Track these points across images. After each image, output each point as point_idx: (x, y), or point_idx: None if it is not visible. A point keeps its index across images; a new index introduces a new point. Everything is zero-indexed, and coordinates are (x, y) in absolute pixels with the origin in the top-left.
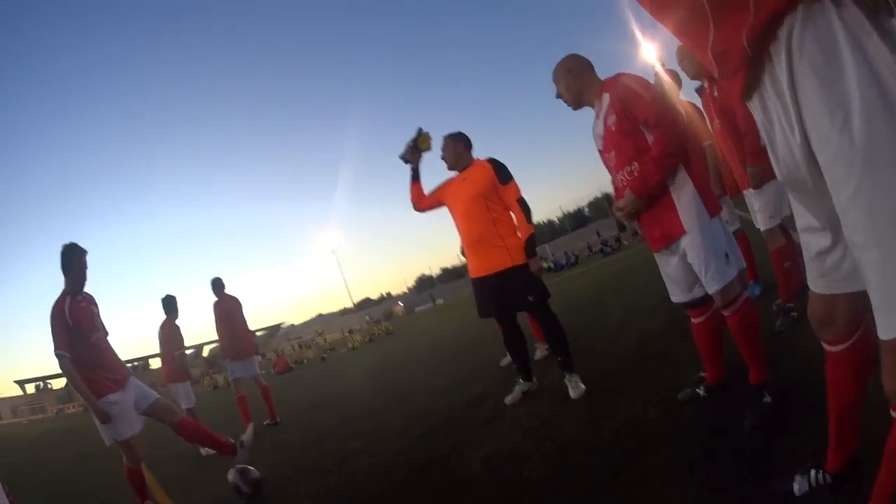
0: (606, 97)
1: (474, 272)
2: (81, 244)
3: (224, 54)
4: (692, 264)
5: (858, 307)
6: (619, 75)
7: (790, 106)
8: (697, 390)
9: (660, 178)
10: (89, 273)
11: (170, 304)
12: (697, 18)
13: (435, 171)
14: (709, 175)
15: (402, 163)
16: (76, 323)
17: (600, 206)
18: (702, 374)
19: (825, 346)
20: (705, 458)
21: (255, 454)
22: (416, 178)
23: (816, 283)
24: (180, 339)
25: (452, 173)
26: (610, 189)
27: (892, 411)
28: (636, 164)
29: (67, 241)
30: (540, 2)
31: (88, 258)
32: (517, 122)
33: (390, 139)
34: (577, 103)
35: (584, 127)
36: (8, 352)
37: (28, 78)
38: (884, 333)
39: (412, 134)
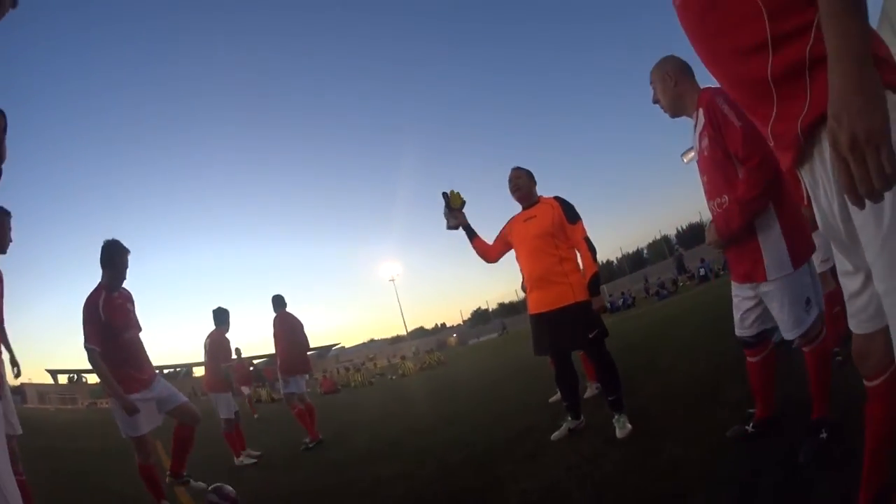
0: (701, 113)
1: (535, 308)
2: (142, 248)
3: (279, 85)
4: (771, 311)
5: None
6: (716, 92)
7: (832, 177)
8: (747, 427)
9: (742, 223)
10: (129, 272)
11: (222, 315)
12: (762, 96)
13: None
14: (801, 213)
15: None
16: (109, 319)
17: (659, 248)
18: (751, 411)
19: (865, 382)
20: (742, 501)
21: (291, 471)
22: (472, 235)
23: (852, 322)
24: (228, 350)
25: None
26: (668, 230)
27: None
28: (727, 197)
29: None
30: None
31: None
32: (577, 158)
33: (446, 165)
34: (673, 110)
35: (646, 167)
36: (41, 341)
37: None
38: None
39: (441, 202)
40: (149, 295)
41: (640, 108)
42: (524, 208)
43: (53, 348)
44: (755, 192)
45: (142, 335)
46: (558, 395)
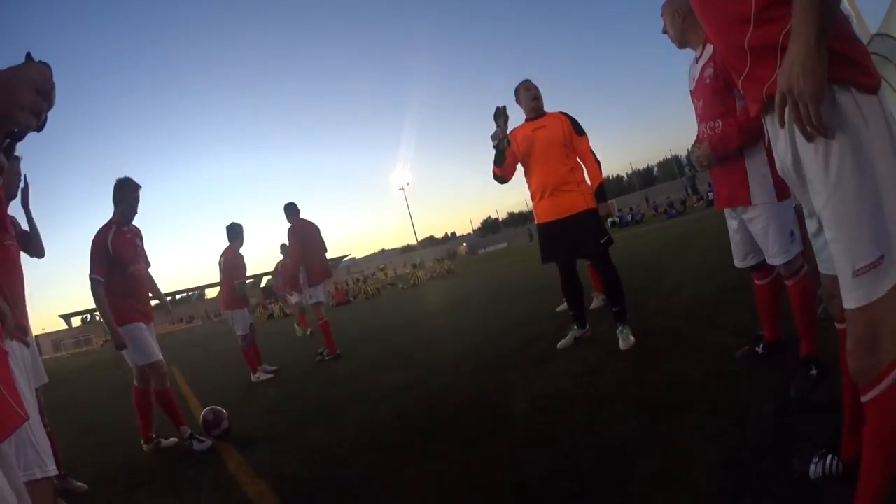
0: (710, 48)
1: (546, 216)
2: (150, 175)
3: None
4: (755, 236)
5: None
6: None
7: (787, 131)
8: (756, 348)
9: (738, 145)
10: (140, 206)
11: (235, 231)
12: (739, 55)
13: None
14: None
15: (492, 117)
16: (117, 252)
17: (669, 167)
18: (760, 333)
19: (837, 325)
20: (735, 426)
21: (305, 380)
22: (501, 159)
23: (818, 261)
24: (243, 267)
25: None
26: (679, 151)
27: (861, 397)
28: (720, 121)
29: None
30: None
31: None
32: (591, 74)
33: (460, 76)
34: (680, 42)
35: (661, 86)
36: (53, 287)
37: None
38: (847, 303)
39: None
40: (159, 220)
41: (659, 30)
42: (531, 119)
43: (66, 292)
44: (756, 122)
45: (152, 270)
46: (565, 305)
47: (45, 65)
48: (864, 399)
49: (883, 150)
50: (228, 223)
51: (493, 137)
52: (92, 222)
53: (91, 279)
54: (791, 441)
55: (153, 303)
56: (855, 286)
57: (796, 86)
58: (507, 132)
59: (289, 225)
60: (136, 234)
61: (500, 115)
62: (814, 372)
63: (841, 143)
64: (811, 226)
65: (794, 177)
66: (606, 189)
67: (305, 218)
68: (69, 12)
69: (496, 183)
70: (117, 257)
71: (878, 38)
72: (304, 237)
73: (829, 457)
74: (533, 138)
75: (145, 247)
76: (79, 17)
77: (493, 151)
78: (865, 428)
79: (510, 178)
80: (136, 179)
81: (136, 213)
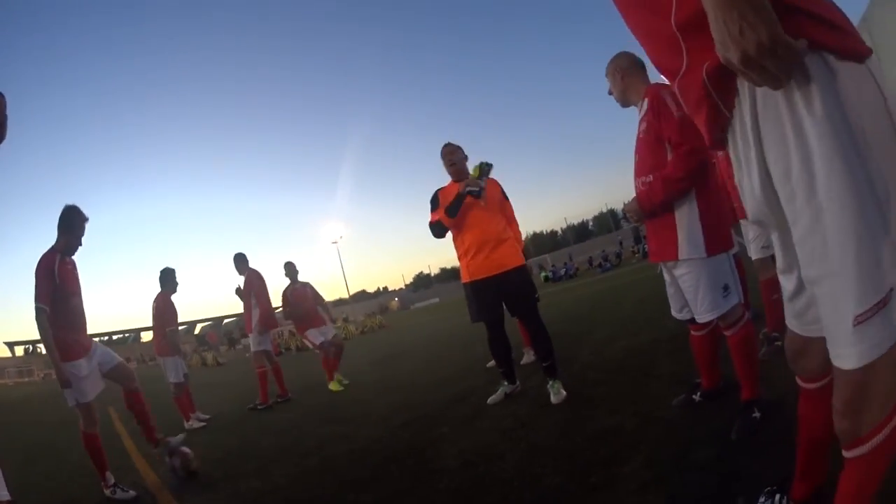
0: (646, 103)
1: (481, 272)
2: (92, 205)
3: (226, 45)
4: (684, 292)
5: None
6: (662, 87)
7: (752, 145)
8: (694, 396)
9: (663, 199)
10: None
11: (166, 277)
12: (672, 49)
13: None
14: (722, 206)
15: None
16: (62, 282)
17: (604, 221)
18: (697, 381)
19: (799, 381)
20: (675, 471)
21: (238, 430)
22: (457, 211)
23: (791, 322)
24: (173, 313)
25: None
26: (615, 205)
27: (844, 452)
28: (651, 176)
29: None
30: (560, 5)
31: (88, 225)
32: (527, 131)
33: (394, 134)
34: (623, 101)
35: (595, 141)
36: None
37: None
38: (842, 362)
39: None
40: (98, 254)
41: (598, 88)
42: (459, 180)
43: (11, 318)
44: (680, 173)
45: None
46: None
47: (0, 95)
48: (847, 455)
49: (882, 139)
50: (162, 269)
51: (474, 185)
52: (39, 245)
53: (36, 308)
54: (735, 484)
55: None
56: (856, 339)
57: (746, 41)
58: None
59: (244, 273)
60: (75, 266)
61: (480, 173)
62: (757, 414)
63: (822, 140)
64: (789, 283)
65: (765, 206)
66: (533, 247)
67: (254, 268)
68: None
69: (430, 238)
70: (62, 287)
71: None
72: (261, 285)
73: (778, 496)
74: (472, 201)
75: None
76: None
77: (428, 205)
78: (845, 480)
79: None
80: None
81: (80, 244)
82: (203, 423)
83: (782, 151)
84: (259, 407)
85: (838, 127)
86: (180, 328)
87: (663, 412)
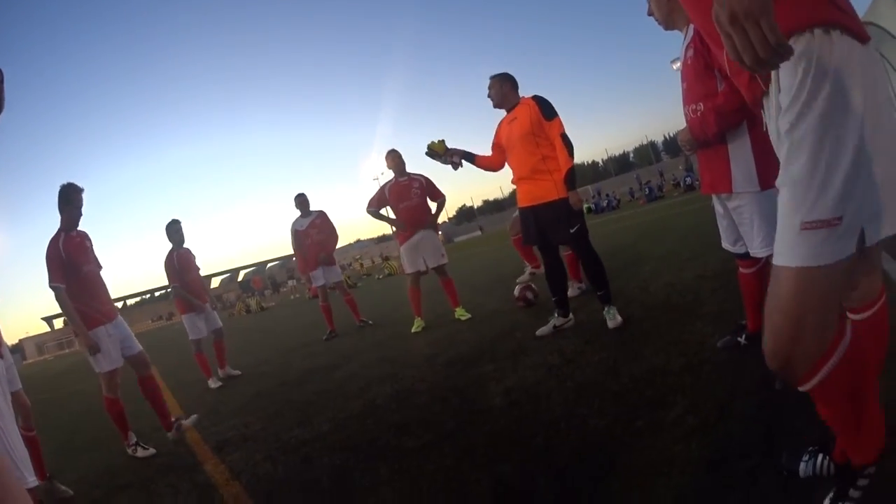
0: (692, 28)
1: (522, 202)
2: (110, 172)
3: None
4: (738, 226)
5: (868, 277)
6: None
7: (774, 105)
8: (738, 339)
9: (716, 130)
10: (87, 209)
11: (169, 231)
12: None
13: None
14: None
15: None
16: (69, 256)
17: (645, 153)
18: (742, 322)
19: (849, 314)
20: (719, 420)
21: (281, 375)
22: (472, 159)
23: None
24: (176, 269)
25: (500, 113)
26: (655, 137)
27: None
28: (702, 104)
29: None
30: None
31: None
32: (567, 62)
33: (434, 65)
34: (666, 24)
35: (637, 72)
36: (36, 289)
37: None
38: (780, 258)
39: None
40: (139, 215)
41: (638, 15)
42: (507, 111)
43: (48, 294)
44: (733, 105)
45: (107, 272)
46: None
47: None
48: (801, 389)
49: (874, 107)
50: (166, 224)
51: (451, 165)
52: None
53: (52, 287)
54: (778, 437)
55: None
56: (799, 241)
57: (740, 4)
58: (448, 152)
59: (313, 214)
60: (85, 236)
61: (432, 155)
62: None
63: (821, 84)
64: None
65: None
66: (577, 176)
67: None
68: None
69: (472, 170)
70: (70, 260)
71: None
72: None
73: (820, 455)
74: (508, 131)
75: (95, 250)
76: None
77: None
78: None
79: (500, 168)
80: (143, 165)
81: (80, 215)
82: (221, 383)
83: (789, 82)
84: (325, 337)
85: (836, 83)
86: (221, 277)
87: (708, 353)
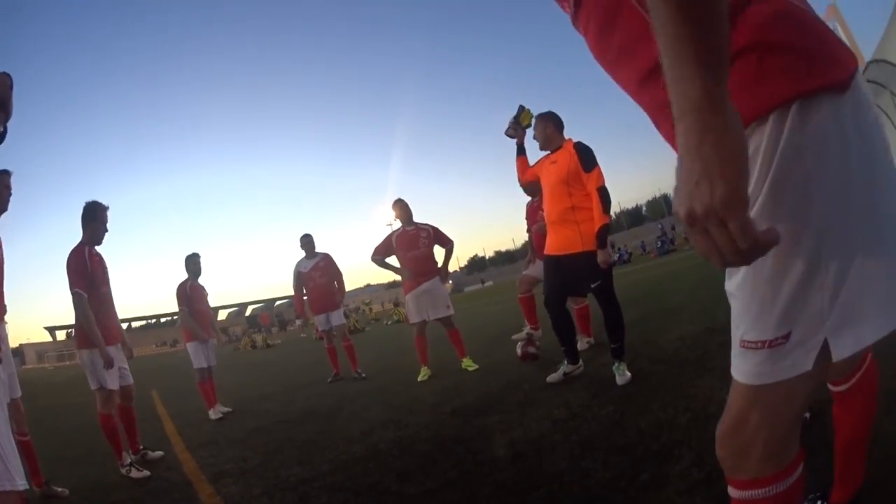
0: None
1: (548, 249)
2: (123, 190)
3: (276, 25)
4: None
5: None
6: None
7: None
8: None
9: None
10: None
11: (187, 263)
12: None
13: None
14: None
15: (506, 138)
16: (92, 271)
17: (657, 206)
18: None
19: (829, 386)
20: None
21: (284, 412)
22: (521, 152)
23: None
24: (197, 298)
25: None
26: (668, 190)
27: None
28: None
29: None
30: None
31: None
32: (577, 112)
33: (451, 116)
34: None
35: (648, 124)
36: (40, 297)
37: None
38: (733, 370)
39: (513, 111)
40: (148, 239)
41: None
42: (549, 152)
43: (53, 304)
44: None
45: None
46: (522, 332)
47: (5, 74)
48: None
49: (864, 169)
50: (186, 255)
51: (513, 132)
52: (66, 231)
53: (74, 293)
54: None
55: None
56: (741, 357)
57: (697, 198)
58: (523, 128)
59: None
60: (103, 258)
61: (517, 116)
62: (807, 415)
63: (765, 172)
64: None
65: None
66: (608, 233)
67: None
68: None
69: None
70: (92, 276)
71: (874, 64)
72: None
73: (820, 502)
74: (548, 172)
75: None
76: None
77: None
78: None
79: (525, 182)
80: (161, 188)
81: (106, 231)
82: (220, 416)
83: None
84: (330, 380)
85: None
86: (229, 310)
87: (715, 407)
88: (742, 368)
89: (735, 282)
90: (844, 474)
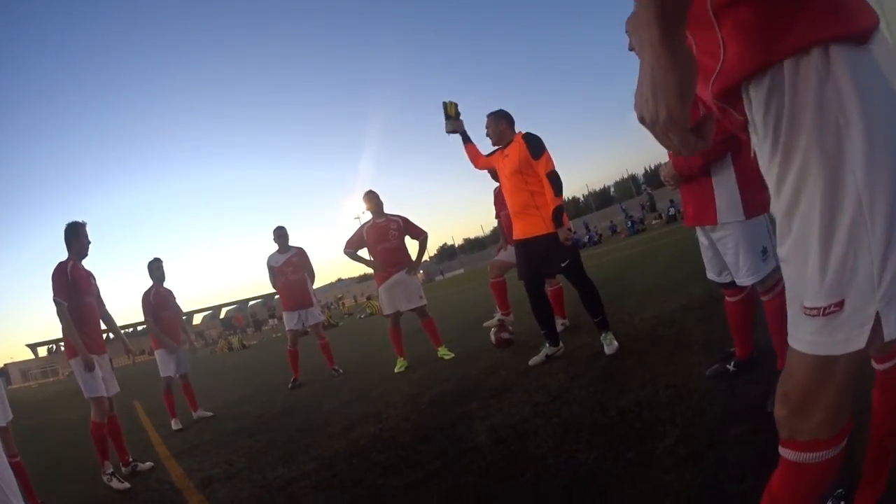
0: None
1: (515, 236)
2: (96, 206)
3: (246, 19)
4: (724, 256)
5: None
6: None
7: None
8: (728, 366)
9: (702, 164)
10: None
11: (149, 269)
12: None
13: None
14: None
15: (444, 134)
16: (74, 281)
17: (626, 186)
18: (731, 350)
19: (873, 363)
20: (711, 447)
21: (264, 413)
22: (466, 140)
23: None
24: (161, 306)
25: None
26: (636, 170)
27: (780, 448)
28: None
29: (72, 218)
30: None
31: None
32: (545, 96)
33: (417, 105)
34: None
35: (616, 105)
36: (21, 315)
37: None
38: (792, 341)
39: (441, 112)
40: (129, 247)
41: (616, 51)
42: (500, 148)
43: (33, 321)
44: (720, 134)
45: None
46: (493, 319)
47: None
48: (781, 453)
49: (866, 147)
50: (148, 261)
51: (451, 127)
52: (49, 247)
53: (56, 301)
54: (772, 460)
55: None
56: (802, 324)
57: (646, 111)
58: (457, 118)
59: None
60: (91, 275)
61: (445, 112)
62: None
63: (806, 147)
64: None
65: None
66: (562, 213)
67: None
68: None
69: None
70: (75, 286)
71: None
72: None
73: (843, 502)
74: (502, 166)
75: (99, 288)
76: None
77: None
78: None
79: (480, 168)
80: (128, 201)
81: (89, 243)
82: (180, 427)
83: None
84: (290, 386)
85: (822, 139)
86: (203, 314)
87: (697, 383)
88: (797, 336)
89: (787, 246)
90: (871, 473)
